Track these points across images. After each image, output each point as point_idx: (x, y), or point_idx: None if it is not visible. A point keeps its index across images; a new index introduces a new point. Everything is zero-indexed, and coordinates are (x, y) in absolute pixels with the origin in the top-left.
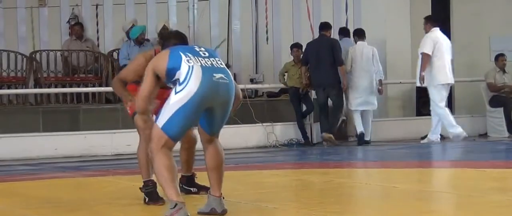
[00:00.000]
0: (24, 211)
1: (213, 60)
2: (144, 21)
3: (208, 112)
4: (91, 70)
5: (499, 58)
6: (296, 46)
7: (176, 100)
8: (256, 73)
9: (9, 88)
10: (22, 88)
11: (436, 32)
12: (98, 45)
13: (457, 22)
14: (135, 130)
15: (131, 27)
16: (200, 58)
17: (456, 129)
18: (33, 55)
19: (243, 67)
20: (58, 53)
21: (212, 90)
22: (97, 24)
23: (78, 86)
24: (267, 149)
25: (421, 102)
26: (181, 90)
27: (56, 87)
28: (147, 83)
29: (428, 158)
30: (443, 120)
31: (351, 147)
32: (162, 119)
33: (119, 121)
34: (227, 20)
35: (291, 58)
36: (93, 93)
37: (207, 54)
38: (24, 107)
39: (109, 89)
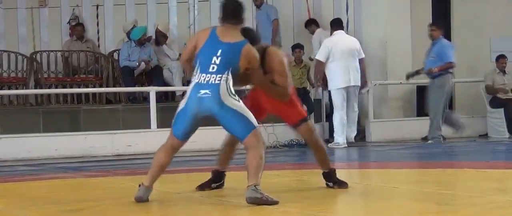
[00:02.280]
0: (25, 212)
1: (211, 77)
2: (145, 21)
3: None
4: (91, 71)
5: (500, 59)
6: (298, 47)
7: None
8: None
9: (9, 88)
10: (22, 88)
11: (337, 36)
12: (98, 46)
13: (457, 23)
14: (135, 130)
15: (132, 28)
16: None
17: (340, 139)
18: (34, 56)
19: None
20: (59, 54)
21: (195, 105)
22: (98, 25)
23: (79, 87)
24: (267, 150)
25: (422, 103)
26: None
27: (56, 87)
28: None
29: (428, 158)
30: (334, 123)
31: (351, 148)
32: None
33: (120, 121)
34: None
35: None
36: (94, 94)
37: (214, 69)
38: (25, 107)
39: (110, 89)
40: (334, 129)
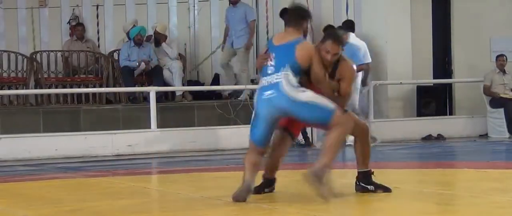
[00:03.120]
0: (25, 212)
1: (271, 78)
2: (145, 21)
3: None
4: (91, 71)
5: (499, 58)
6: None
7: None
8: (257, 73)
9: (9, 88)
10: (22, 88)
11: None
12: (98, 46)
13: (457, 23)
14: (135, 130)
15: (132, 27)
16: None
17: None
18: (34, 56)
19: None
20: (59, 54)
21: (265, 108)
22: (98, 25)
23: (79, 87)
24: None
25: (422, 103)
26: None
27: (56, 87)
28: None
29: (429, 158)
30: None
31: (351, 148)
32: None
33: (120, 121)
34: None
35: None
36: (94, 94)
37: (272, 71)
38: (25, 107)
39: (110, 89)
40: None
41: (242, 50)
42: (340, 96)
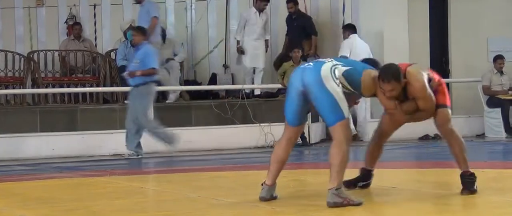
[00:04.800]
0: (22, 211)
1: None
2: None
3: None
4: (88, 70)
5: (497, 60)
6: (296, 47)
7: None
8: (254, 73)
9: (6, 88)
10: (19, 88)
11: (353, 39)
12: (95, 45)
13: (454, 22)
14: None
15: (129, 27)
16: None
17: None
18: (31, 55)
19: (240, 68)
20: (56, 53)
21: (297, 78)
22: (95, 24)
23: (76, 86)
24: (264, 150)
25: None
26: None
27: (53, 87)
28: None
29: (426, 158)
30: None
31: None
32: None
33: (117, 121)
34: (225, 20)
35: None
36: (91, 93)
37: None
38: (22, 107)
39: (107, 89)
40: None
41: None
42: (423, 112)
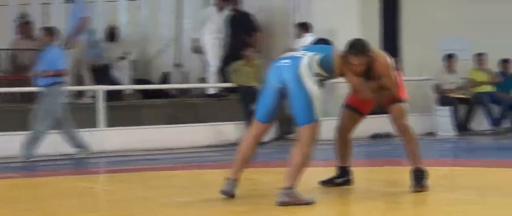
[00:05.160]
0: None
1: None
2: (94, 19)
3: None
4: None
5: (449, 59)
6: (249, 47)
7: None
8: (206, 72)
9: None
10: None
11: (307, 39)
12: None
13: (406, 21)
14: (83, 129)
15: None
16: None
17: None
18: None
19: (192, 66)
20: (6, 52)
21: (274, 75)
22: (46, 23)
23: (27, 86)
24: (216, 149)
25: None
26: None
27: (4, 86)
28: None
29: (376, 156)
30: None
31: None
32: None
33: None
34: (177, 19)
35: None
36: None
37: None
38: None
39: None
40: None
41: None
42: (388, 89)
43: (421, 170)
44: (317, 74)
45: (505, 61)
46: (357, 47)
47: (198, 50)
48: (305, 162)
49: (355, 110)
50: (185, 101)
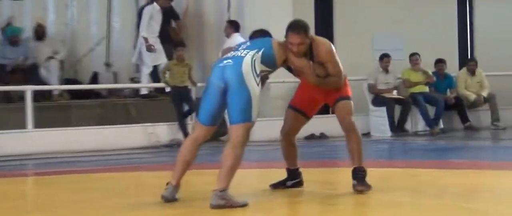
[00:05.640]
0: None
1: (238, 52)
2: (22, 17)
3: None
4: None
5: (384, 58)
6: (180, 45)
7: None
8: (137, 72)
9: None
10: None
11: (237, 38)
12: None
13: (339, 20)
14: (10, 131)
15: (7, 25)
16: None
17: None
18: None
19: (123, 66)
20: None
21: (216, 76)
22: None
23: None
24: (147, 150)
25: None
26: None
27: None
28: None
29: (309, 158)
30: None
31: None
32: None
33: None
34: (106, 17)
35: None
36: None
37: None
38: None
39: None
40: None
41: None
42: (332, 77)
43: (362, 169)
44: (261, 72)
45: (440, 61)
46: (295, 25)
47: (151, 49)
48: (236, 163)
49: (300, 111)
50: (115, 101)
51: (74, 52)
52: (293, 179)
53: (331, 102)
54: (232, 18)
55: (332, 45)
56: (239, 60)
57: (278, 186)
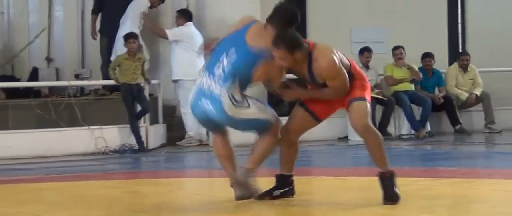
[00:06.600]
0: None
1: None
2: None
3: None
4: None
5: (364, 53)
6: (132, 37)
7: None
8: (83, 68)
9: None
10: None
11: (191, 28)
12: None
13: (313, 11)
14: None
15: None
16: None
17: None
18: None
19: (66, 60)
20: None
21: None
22: None
23: None
24: (95, 157)
25: (274, 102)
26: None
27: None
28: None
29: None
30: (188, 118)
31: (202, 152)
32: None
33: None
34: (48, 6)
35: (125, 50)
36: None
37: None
38: None
39: None
40: (188, 124)
41: None
42: (327, 89)
43: (389, 174)
44: (243, 96)
45: (427, 56)
46: (281, 38)
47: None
48: (271, 151)
49: (311, 113)
50: (58, 101)
51: (11, 45)
52: (282, 188)
53: (345, 105)
54: (191, 8)
55: (334, 56)
56: (217, 102)
57: (264, 196)
